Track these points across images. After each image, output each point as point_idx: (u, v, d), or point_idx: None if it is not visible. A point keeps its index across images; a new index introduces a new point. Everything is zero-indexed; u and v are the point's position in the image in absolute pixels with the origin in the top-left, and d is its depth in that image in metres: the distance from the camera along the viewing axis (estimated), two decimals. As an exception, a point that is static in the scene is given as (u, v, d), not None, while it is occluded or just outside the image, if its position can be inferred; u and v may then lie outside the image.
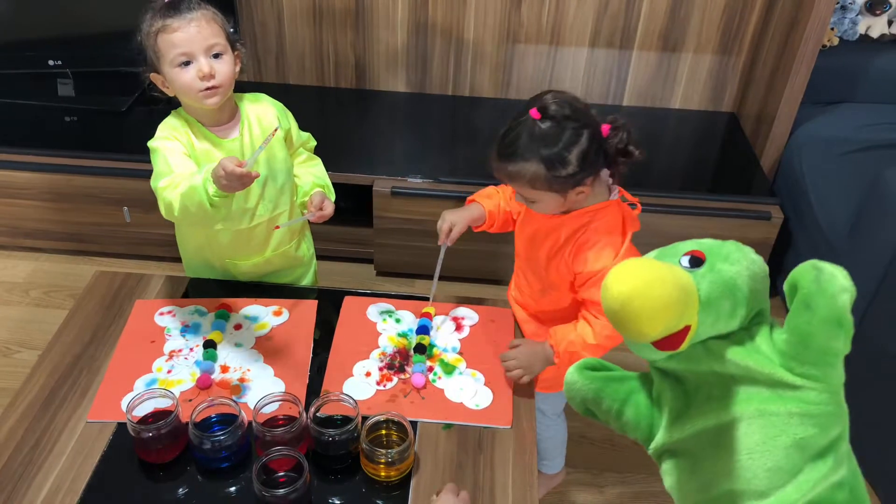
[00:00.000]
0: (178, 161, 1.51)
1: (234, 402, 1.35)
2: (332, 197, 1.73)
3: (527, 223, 1.56)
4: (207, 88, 1.48)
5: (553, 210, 1.44)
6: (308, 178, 1.73)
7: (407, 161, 2.49)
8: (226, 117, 1.59)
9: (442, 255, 1.59)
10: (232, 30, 1.54)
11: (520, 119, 1.36)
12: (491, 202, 1.62)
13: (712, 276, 0.95)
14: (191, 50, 1.45)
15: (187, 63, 1.46)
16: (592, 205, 1.44)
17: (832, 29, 2.60)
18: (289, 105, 1.70)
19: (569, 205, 1.43)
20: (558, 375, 1.49)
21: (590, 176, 1.37)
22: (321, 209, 1.66)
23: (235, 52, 1.54)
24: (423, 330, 1.60)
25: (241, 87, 1.61)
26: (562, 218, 1.46)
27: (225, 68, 1.49)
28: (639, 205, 1.48)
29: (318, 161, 1.79)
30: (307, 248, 1.84)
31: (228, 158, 1.31)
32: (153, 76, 1.52)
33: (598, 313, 1.43)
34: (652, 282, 0.90)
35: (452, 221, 1.57)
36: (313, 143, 1.79)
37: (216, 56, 1.48)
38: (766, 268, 0.97)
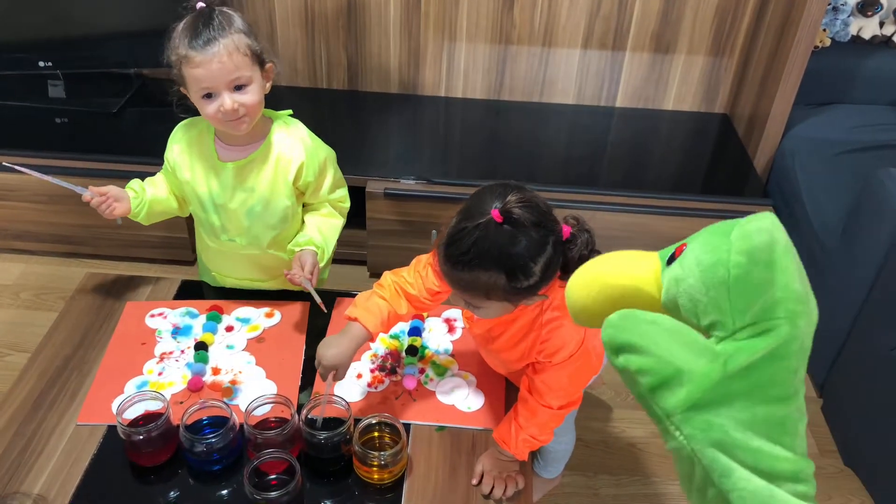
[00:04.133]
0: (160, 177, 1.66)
1: (226, 404, 1.34)
2: (324, 260, 1.62)
3: (479, 322, 1.41)
4: (232, 120, 1.46)
5: (496, 316, 1.30)
6: (312, 230, 1.63)
7: (400, 162, 2.48)
8: (250, 136, 1.55)
9: (329, 388, 1.35)
10: (258, 44, 1.47)
11: (475, 221, 1.17)
12: (375, 319, 1.37)
13: (669, 273, 0.93)
14: (213, 85, 1.42)
15: (211, 95, 1.44)
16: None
17: (824, 30, 2.61)
18: (281, 107, 1.64)
19: (515, 308, 1.28)
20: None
21: (546, 285, 1.22)
22: (310, 275, 1.53)
23: (266, 67, 1.49)
24: (415, 332, 1.59)
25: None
26: (515, 312, 1.32)
27: (250, 98, 1.45)
28: None
29: (339, 219, 1.69)
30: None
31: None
32: (183, 90, 1.49)
33: (551, 399, 1.34)
34: (577, 287, 0.94)
35: (335, 365, 1.33)
36: (347, 204, 1.71)
37: (240, 87, 1.44)
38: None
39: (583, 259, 1.20)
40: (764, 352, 0.82)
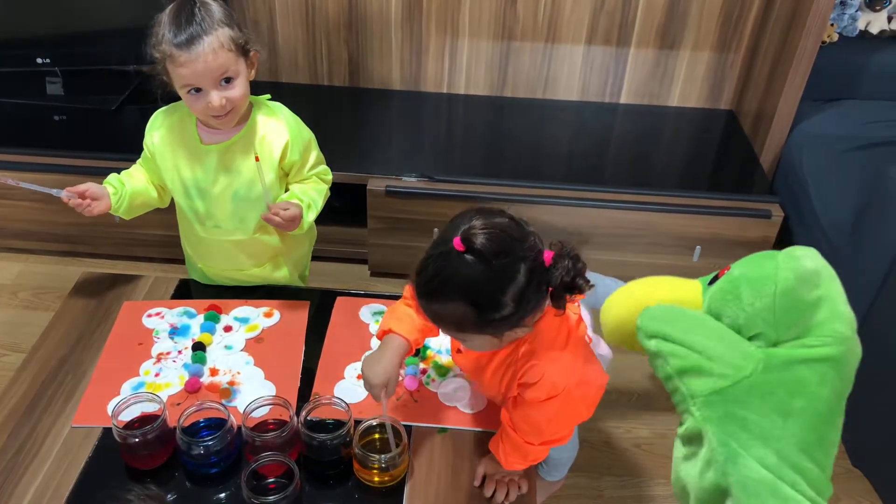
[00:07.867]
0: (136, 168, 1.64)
1: (224, 406, 1.32)
2: (309, 217, 1.57)
3: (465, 353, 1.36)
4: (219, 115, 1.45)
5: (487, 349, 1.24)
6: (296, 191, 1.60)
7: (401, 160, 2.45)
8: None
9: (385, 408, 1.30)
10: (241, 34, 1.45)
11: (441, 248, 1.11)
12: (407, 326, 1.32)
13: (711, 290, 1.00)
14: (199, 83, 1.41)
15: (198, 90, 1.43)
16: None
17: (832, 25, 2.58)
18: (282, 103, 1.62)
19: (505, 342, 1.20)
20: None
21: (530, 315, 1.14)
22: (285, 209, 1.50)
23: (251, 56, 1.48)
24: (418, 331, 1.56)
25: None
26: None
27: (236, 93, 1.45)
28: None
29: (322, 186, 1.65)
30: (289, 275, 1.75)
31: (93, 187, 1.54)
32: (167, 79, 1.47)
33: (531, 437, 1.27)
34: (614, 305, 1.06)
35: (384, 380, 1.28)
36: (330, 176, 1.68)
37: (228, 80, 1.44)
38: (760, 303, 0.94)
39: (566, 287, 1.12)
40: (803, 357, 0.86)
